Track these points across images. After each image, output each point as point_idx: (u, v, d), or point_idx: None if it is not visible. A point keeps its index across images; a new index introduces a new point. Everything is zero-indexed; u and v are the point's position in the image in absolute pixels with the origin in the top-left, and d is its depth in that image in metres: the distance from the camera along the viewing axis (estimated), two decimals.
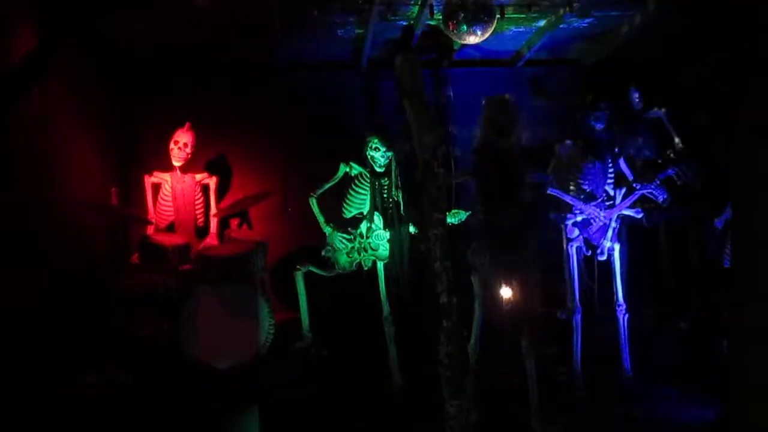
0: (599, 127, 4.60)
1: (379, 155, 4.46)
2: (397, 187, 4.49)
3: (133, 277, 4.31)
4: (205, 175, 5.13)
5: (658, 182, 4.70)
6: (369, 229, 4.49)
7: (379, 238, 4.47)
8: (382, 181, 4.51)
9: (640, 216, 4.62)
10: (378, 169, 4.50)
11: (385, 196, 4.51)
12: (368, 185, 4.52)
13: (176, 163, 4.92)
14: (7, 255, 3.56)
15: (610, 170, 4.59)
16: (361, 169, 4.55)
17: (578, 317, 4.47)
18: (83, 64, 4.75)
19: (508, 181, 3.85)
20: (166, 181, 4.96)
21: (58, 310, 4.04)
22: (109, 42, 4.87)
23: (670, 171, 4.79)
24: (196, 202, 5.03)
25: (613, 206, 4.59)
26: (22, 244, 3.76)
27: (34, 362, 3.74)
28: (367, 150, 4.48)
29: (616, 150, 4.66)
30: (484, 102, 4.06)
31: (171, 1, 4.09)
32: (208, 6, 3.95)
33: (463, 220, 4.52)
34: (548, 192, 4.49)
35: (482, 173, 3.94)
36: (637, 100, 5.23)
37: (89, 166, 4.86)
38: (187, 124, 4.94)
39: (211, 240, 4.99)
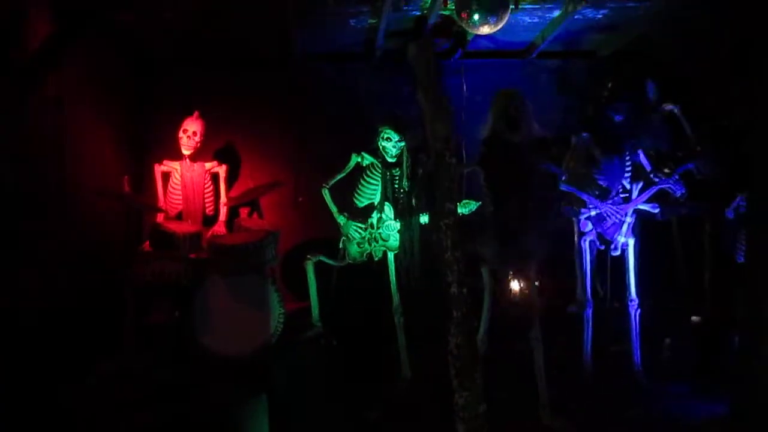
0: (619, 119, 4.52)
1: (390, 145, 4.44)
2: (408, 178, 4.47)
3: (145, 265, 4.32)
4: (215, 163, 5.14)
5: (677, 177, 4.62)
6: (380, 219, 4.48)
7: (389, 228, 4.46)
8: (394, 171, 4.50)
9: (656, 211, 4.55)
10: (389, 160, 4.48)
11: (396, 186, 4.50)
12: (379, 176, 4.51)
13: (185, 152, 4.94)
14: (22, 242, 3.58)
15: (628, 164, 4.51)
16: (372, 160, 4.53)
17: (589, 312, 4.44)
18: (97, 53, 4.77)
19: (516, 172, 3.84)
20: (176, 169, 4.98)
21: (72, 299, 4.06)
22: (123, 31, 4.89)
23: (689, 165, 4.71)
24: (206, 191, 5.04)
25: (629, 200, 4.53)
26: (38, 231, 3.79)
27: (50, 351, 3.77)
28: (378, 140, 4.47)
29: (634, 142, 4.58)
30: (494, 94, 4.08)
31: None
32: None
33: (473, 210, 4.50)
34: (562, 188, 4.44)
35: (490, 164, 3.96)
36: (652, 92, 5.16)
37: (103, 154, 4.89)
38: (196, 113, 4.95)
39: (219, 228, 5.00)
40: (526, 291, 3.82)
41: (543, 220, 3.92)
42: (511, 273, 4.07)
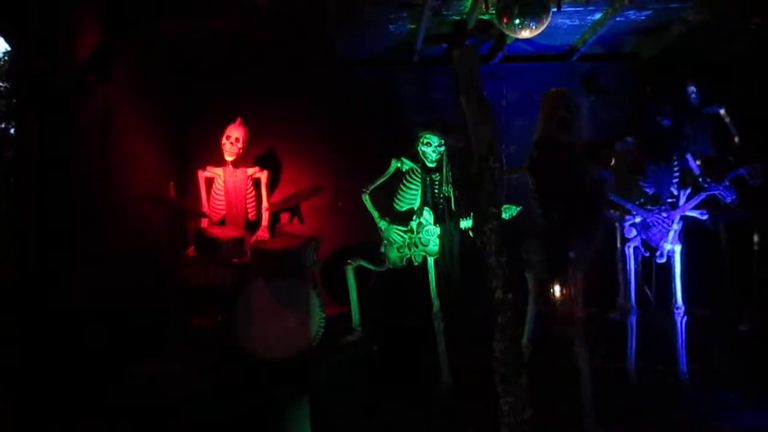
0: (666, 123, 4.42)
1: (430, 150, 4.44)
2: (448, 183, 4.47)
3: (190, 269, 4.41)
4: (257, 169, 5.21)
5: (727, 183, 4.49)
6: (419, 224, 4.48)
7: (429, 233, 4.45)
8: (434, 176, 4.49)
9: (705, 218, 4.41)
10: (429, 165, 4.48)
11: (436, 191, 4.49)
12: (419, 180, 4.51)
13: (228, 158, 5.02)
14: (74, 248, 3.69)
15: (676, 170, 4.39)
16: (412, 165, 4.54)
17: (633, 319, 4.36)
18: (143, 61, 4.89)
19: (567, 176, 3.70)
20: (219, 175, 5.06)
21: (119, 301, 4.17)
22: (167, 39, 5.01)
23: (741, 170, 4.57)
24: (248, 196, 5.12)
25: (675, 206, 4.42)
26: (89, 237, 3.90)
27: (97, 352, 3.87)
28: (418, 145, 4.47)
29: (682, 146, 4.47)
30: (543, 95, 3.89)
31: (231, 1, 4.16)
32: (266, 5, 4.00)
33: (514, 215, 4.46)
34: (609, 197, 4.34)
35: (540, 168, 3.81)
36: (693, 95, 5.04)
37: (149, 160, 5.01)
38: (239, 120, 5.03)
39: (263, 233, 5.07)
40: (573, 298, 3.71)
41: (593, 226, 3.83)
42: (558, 279, 3.94)
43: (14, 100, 3.58)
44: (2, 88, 8.46)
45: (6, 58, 8.37)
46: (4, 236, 4.18)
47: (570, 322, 3.71)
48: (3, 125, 8.24)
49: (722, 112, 4.91)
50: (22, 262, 3.52)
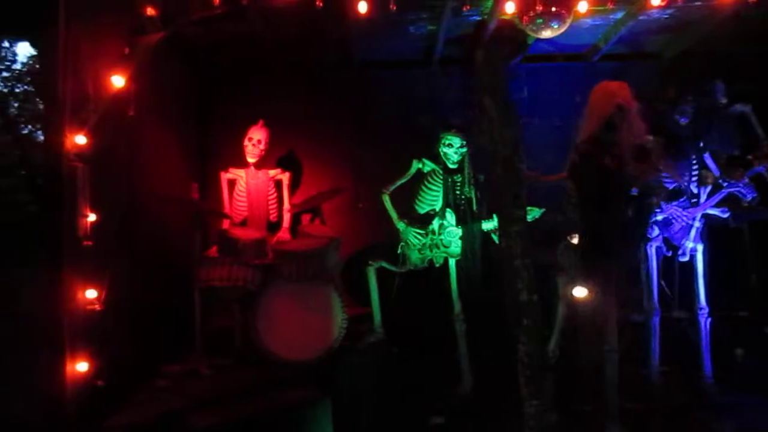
0: (684, 121, 4.39)
1: (452, 152, 4.43)
2: (469, 184, 4.46)
3: (212, 269, 4.44)
4: (279, 171, 5.24)
5: (746, 180, 4.45)
6: (441, 225, 4.47)
7: (451, 235, 4.44)
8: (455, 177, 4.48)
9: (726, 215, 4.38)
10: (451, 166, 4.47)
11: (457, 192, 4.48)
12: (441, 182, 4.50)
13: (250, 160, 5.05)
14: (101, 249, 3.73)
15: (695, 167, 4.39)
16: (434, 166, 4.53)
17: (656, 320, 4.31)
18: (164, 64, 4.92)
19: (611, 181, 3.36)
20: (241, 177, 5.10)
21: (143, 301, 4.21)
22: (189, 42, 5.04)
23: (759, 168, 4.53)
24: (270, 198, 5.15)
25: (696, 204, 4.39)
26: (113, 239, 3.94)
27: (121, 351, 3.91)
28: (440, 146, 4.47)
29: (701, 145, 4.44)
30: (593, 89, 3.52)
31: (253, 5, 4.18)
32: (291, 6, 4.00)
33: (537, 217, 4.44)
34: (659, 204, 4.25)
35: (582, 174, 3.45)
36: (721, 93, 4.99)
37: (172, 162, 5.06)
38: (261, 122, 5.06)
39: (284, 234, 5.09)
40: (604, 302, 3.55)
41: (638, 235, 3.62)
42: (593, 285, 3.70)
43: (40, 105, 3.60)
44: (28, 92, 8.58)
45: (31, 62, 8.47)
46: (31, 239, 4.22)
47: (601, 328, 3.59)
48: (29, 128, 8.37)
49: (748, 110, 4.84)
50: (48, 263, 3.56)
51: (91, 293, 3.52)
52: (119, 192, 4.10)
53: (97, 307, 3.52)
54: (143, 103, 4.28)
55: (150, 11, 3.88)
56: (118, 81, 3.76)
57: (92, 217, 3.61)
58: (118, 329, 3.83)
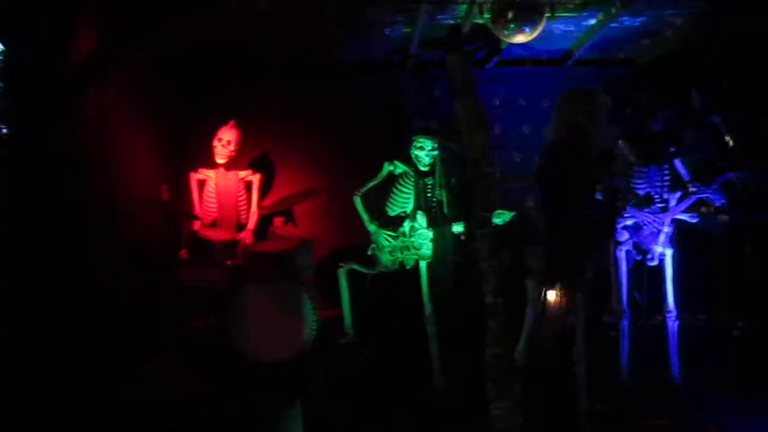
0: (657, 127, 4.45)
1: (423, 154, 4.45)
2: (441, 187, 4.47)
3: (184, 271, 4.41)
4: (249, 172, 5.21)
5: (716, 186, 4.52)
6: (412, 228, 4.48)
7: (422, 237, 4.45)
8: (427, 180, 4.50)
9: (695, 221, 4.45)
10: (422, 168, 4.49)
11: (429, 195, 4.50)
12: (412, 184, 4.51)
13: (220, 161, 5.02)
14: (69, 251, 3.67)
15: (666, 173, 4.44)
16: (405, 168, 4.54)
17: (626, 322, 4.36)
18: (137, 64, 4.87)
19: (578, 184, 3.45)
20: (211, 177, 5.06)
21: (115, 303, 4.16)
22: (162, 42, 4.98)
23: (729, 174, 4.60)
24: (239, 199, 5.11)
25: (666, 210, 4.45)
26: (84, 239, 3.88)
27: (91, 354, 3.86)
28: (412, 149, 4.48)
29: (672, 150, 4.50)
30: (560, 95, 3.66)
31: (230, 3, 4.15)
32: (266, 7, 3.98)
33: (507, 221, 4.46)
34: (625, 207, 4.32)
35: (549, 176, 3.56)
36: (697, 100, 5.06)
37: (144, 163, 4.99)
38: (231, 122, 5.03)
39: (247, 235, 5.04)
40: (573, 305, 3.60)
41: (604, 236, 3.68)
42: (559, 286, 3.77)
43: (9, 101, 3.52)
44: None
45: (1, 57, 8.28)
46: None
47: (569, 328, 3.63)
48: None
49: (718, 121, 4.92)
50: (17, 265, 3.49)
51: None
52: (90, 192, 4.05)
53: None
54: (115, 102, 4.23)
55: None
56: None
57: None
58: (87, 331, 3.77)
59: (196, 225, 4.93)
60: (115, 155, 4.41)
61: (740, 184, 4.64)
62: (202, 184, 5.08)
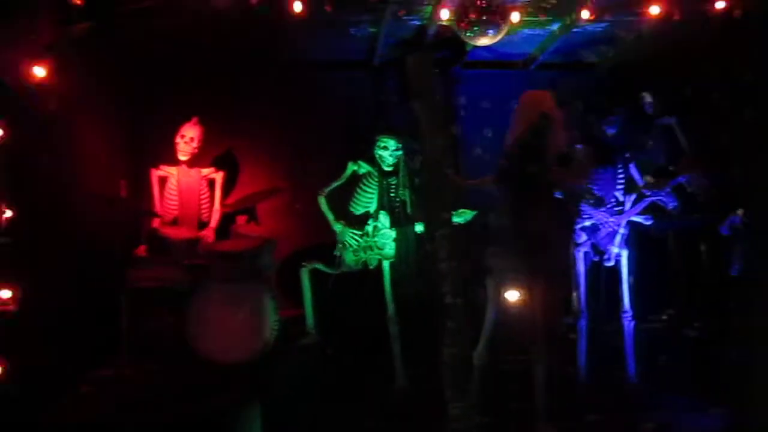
0: (611, 132, 4.56)
1: (387, 154, 4.46)
2: (404, 187, 4.49)
3: (142, 269, 4.33)
4: (212, 170, 5.14)
5: (668, 189, 4.64)
6: (375, 228, 4.49)
7: (385, 237, 4.46)
8: (390, 180, 4.52)
9: (649, 223, 4.57)
10: (386, 168, 4.50)
11: (392, 195, 4.53)
12: (376, 184, 4.52)
13: (182, 158, 4.94)
14: (23, 251, 3.58)
15: (621, 176, 4.55)
16: (369, 168, 4.55)
17: (583, 322, 4.44)
18: (95, 59, 4.76)
19: (538, 184, 3.48)
20: (173, 174, 4.98)
21: (70, 302, 4.06)
22: (120, 37, 4.88)
23: (681, 179, 4.73)
24: (201, 197, 5.03)
25: (622, 212, 4.55)
26: (39, 239, 3.78)
27: (49, 357, 3.76)
28: (375, 149, 4.48)
29: (627, 155, 4.61)
30: (521, 98, 3.67)
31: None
32: (226, 5, 3.93)
33: (468, 220, 4.50)
34: (584, 208, 4.39)
35: (509, 178, 3.55)
36: (648, 105, 5.18)
37: (100, 158, 4.88)
38: (194, 119, 4.96)
39: (208, 234, 4.96)
40: (534, 305, 3.63)
41: (564, 237, 3.74)
42: (522, 288, 3.80)
43: None
44: None
45: None
46: None
47: (530, 328, 3.66)
48: None
49: (673, 122, 5.05)
50: None
51: (6, 293, 3.37)
52: (41, 188, 3.94)
53: (10, 307, 3.36)
54: (68, 93, 4.12)
55: (76, 0, 3.73)
56: (39, 72, 3.60)
57: (8, 213, 3.45)
58: (37, 332, 3.68)
59: (156, 222, 4.84)
60: (70, 150, 4.30)
61: (691, 187, 4.77)
62: (163, 180, 4.99)
